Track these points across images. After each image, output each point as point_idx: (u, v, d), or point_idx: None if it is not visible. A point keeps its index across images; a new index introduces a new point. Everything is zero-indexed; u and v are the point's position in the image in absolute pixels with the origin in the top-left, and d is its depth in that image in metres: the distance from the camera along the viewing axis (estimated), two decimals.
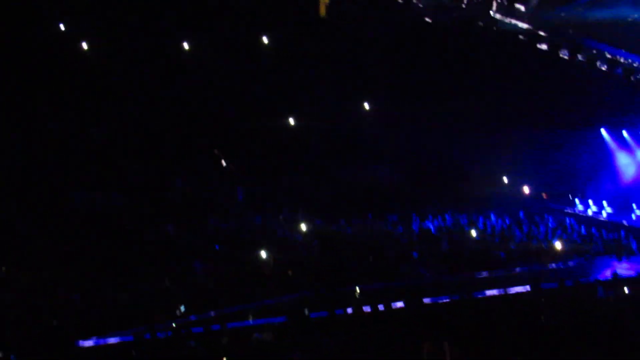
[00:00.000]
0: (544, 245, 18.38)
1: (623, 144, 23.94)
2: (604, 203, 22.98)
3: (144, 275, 13.77)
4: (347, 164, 21.03)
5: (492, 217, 20.84)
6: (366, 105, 21.24)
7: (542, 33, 19.82)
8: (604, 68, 19.60)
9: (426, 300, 12.60)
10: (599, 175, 23.47)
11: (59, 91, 17.73)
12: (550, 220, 21.33)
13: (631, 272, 15.75)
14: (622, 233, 19.96)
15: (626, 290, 13.72)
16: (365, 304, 11.94)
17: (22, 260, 13.76)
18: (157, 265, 14.23)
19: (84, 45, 18.80)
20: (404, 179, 21.23)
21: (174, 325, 11.62)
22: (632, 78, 20.21)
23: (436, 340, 9.73)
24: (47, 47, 17.69)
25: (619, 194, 23.28)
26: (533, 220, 21.17)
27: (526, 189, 22.14)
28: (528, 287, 13.53)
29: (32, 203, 15.88)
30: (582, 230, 20.48)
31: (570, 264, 17.34)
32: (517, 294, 13.37)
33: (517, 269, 16.39)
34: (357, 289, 13.36)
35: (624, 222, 21.40)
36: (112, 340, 11.25)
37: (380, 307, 11.89)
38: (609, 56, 19.35)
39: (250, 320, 12.16)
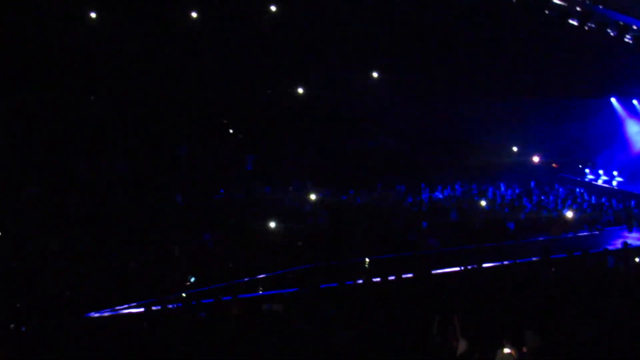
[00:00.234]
0: (554, 215, 18.34)
1: (633, 113, 23.77)
2: (615, 173, 22.88)
3: (153, 246, 13.71)
4: (356, 134, 20.93)
5: (502, 187, 20.82)
6: (375, 75, 21.04)
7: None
8: (613, 34, 19.31)
9: (435, 271, 12.65)
10: (609, 144, 23.34)
11: (61, 62, 17.57)
12: (561, 190, 21.31)
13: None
14: (633, 202, 19.95)
15: (637, 259, 13.74)
16: (375, 275, 11.93)
17: (29, 231, 13.65)
18: (166, 236, 14.15)
19: (83, 16, 18.55)
20: (413, 149, 21.15)
21: (184, 295, 11.72)
22: None
23: (446, 312, 9.69)
24: (45, 19, 17.46)
25: (630, 163, 23.16)
26: (543, 190, 21.15)
27: (536, 159, 22.03)
28: (538, 257, 13.57)
29: (38, 172, 15.79)
30: (593, 199, 20.47)
31: (581, 233, 17.36)
32: (527, 263, 13.40)
33: (527, 239, 16.41)
34: (367, 259, 13.34)
35: (635, 192, 21.38)
36: (123, 312, 11.32)
37: (390, 278, 11.91)
38: (621, 23, 19.02)
39: (261, 291, 12.18)
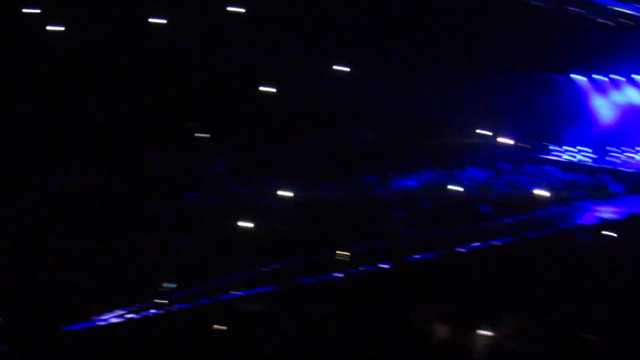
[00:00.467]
0: (525, 194, 18.55)
1: (595, 89, 24.17)
2: (581, 148, 23.28)
3: (129, 253, 13.68)
4: (322, 128, 20.96)
5: (472, 171, 20.92)
6: (341, 68, 21.13)
7: None
8: (575, 12, 19.60)
9: (410, 259, 12.83)
10: (574, 121, 23.73)
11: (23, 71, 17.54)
12: (530, 169, 21.52)
13: (611, 215, 16.07)
14: (599, 176, 20.25)
15: (607, 232, 14.06)
16: (351, 267, 12.18)
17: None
18: (142, 242, 14.13)
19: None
20: (381, 139, 21.28)
21: (163, 302, 11.72)
22: (604, 21, 20.27)
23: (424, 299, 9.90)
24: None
25: (594, 138, 23.59)
26: (513, 170, 21.35)
27: (504, 140, 22.28)
28: (511, 238, 13.79)
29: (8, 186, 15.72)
30: (562, 176, 20.71)
31: (552, 210, 17.48)
32: (501, 245, 13.60)
33: (500, 220, 16.44)
34: (342, 252, 13.44)
35: (601, 166, 21.72)
36: (99, 323, 11.27)
37: (367, 269, 12.09)
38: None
39: (239, 291, 12.17)
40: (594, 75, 23.63)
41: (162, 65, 19.04)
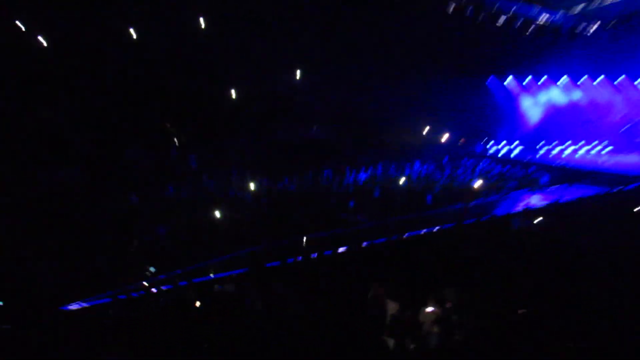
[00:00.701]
0: (466, 186, 19.61)
1: (525, 89, 25.72)
2: (514, 144, 24.82)
3: (112, 243, 14.52)
4: (285, 126, 21.92)
5: (418, 165, 21.98)
6: (295, 70, 21.89)
7: None
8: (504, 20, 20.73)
9: (365, 244, 13.75)
10: (507, 119, 25.22)
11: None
12: (470, 162, 22.81)
13: (542, 203, 17.10)
14: (531, 169, 21.66)
15: (538, 218, 14.87)
16: (313, 252, 13.02)
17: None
18: (124, 233, 14.96)
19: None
20: (336, 136, 22.32)
21: (145, 284, 12.61)
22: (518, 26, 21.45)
23: (377, 282, 10.66)
24: None
25: (525, 135, 25.15)
26: (454, 164, 22.56)
27: (446, 136, 23.41)
28: (452, 224, 14.75)
29: None
30: (498, 169, 22.01)
31: (489, 199, 18.45)
32: (444, 230, 14.52)
33: (443, 208, 17.43)
34: (305, 238, 14.11)
35: (533, 159, 23.21)
36: (92, 303, 12.07)
37: (326, 253, 13.03)
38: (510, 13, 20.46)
39: (213, 274, 12.94)
40: (522, 78, 25.22)
41: (136, 69, 19.50)
